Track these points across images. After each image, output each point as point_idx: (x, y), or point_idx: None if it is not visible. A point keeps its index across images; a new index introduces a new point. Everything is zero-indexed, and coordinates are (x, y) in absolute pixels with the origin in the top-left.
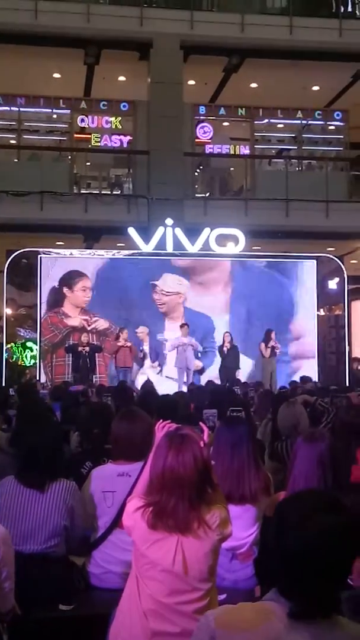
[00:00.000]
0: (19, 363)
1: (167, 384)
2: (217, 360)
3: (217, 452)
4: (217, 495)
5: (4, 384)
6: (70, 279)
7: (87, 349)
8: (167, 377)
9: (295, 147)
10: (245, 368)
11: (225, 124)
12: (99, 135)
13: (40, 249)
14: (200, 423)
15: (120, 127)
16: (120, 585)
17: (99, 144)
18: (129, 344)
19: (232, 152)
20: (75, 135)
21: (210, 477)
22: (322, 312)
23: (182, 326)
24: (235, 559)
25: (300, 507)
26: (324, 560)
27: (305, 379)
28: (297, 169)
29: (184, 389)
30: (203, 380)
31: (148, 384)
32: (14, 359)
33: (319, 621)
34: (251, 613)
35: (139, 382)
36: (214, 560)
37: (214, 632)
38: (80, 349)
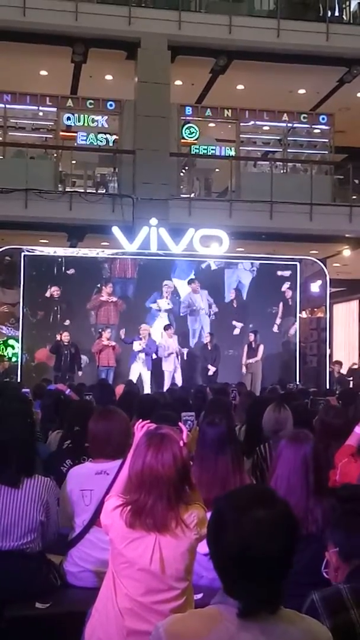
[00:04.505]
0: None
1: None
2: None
3: (200, 458)
4: (195, 495)
5: None
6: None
7: (72, 349)
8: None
9: (281, 150)
10: (227, 369)
11: (212, 125)
12: (85, 134)
13: (24, 247)
14: (180, 423)
15: (107, 125)
16: (96, 584)
17: (84, 142)
18: (112, 343)
19: (217, 153)
20: (61, 133)
21: (189, 476)
22: (304, 315)
23: (166, 328)
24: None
25: (236, 503)
26: (262, 554)
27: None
28: (281, 171)
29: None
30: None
31: (130, 384)
32: None
33: (268, 617)
34: (200, 620)
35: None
36: (191, 559)
37: None
38: (62, 349)
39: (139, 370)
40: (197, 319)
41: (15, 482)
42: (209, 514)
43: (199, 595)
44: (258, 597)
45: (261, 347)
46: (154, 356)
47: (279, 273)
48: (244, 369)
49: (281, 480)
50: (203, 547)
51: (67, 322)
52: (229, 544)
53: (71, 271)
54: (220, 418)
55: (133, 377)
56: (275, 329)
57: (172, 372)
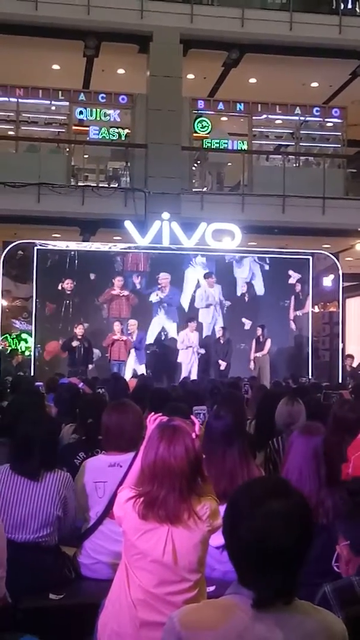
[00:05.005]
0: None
1: None
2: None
3: (207, 451)
4: (208, 487)
5: None
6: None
7: (85, 343)
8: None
9: (293, 144)
10: (239, 363)
11: (224, 118)
12: (97, 128)
13: (37, 241)
14: (192, 416)
15: (119, 120)
16: (110, 575)
17: (97, 136)
18: (124, 337)
19: (230, 147)
20: (74, 127)
21: (201, 468)
22: (316, 309)
23: (189, 321)
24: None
25: (251, 494)
26: (276, 545)
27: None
28: (294, 165)
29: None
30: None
31: (143, 377)
32: (9, 351)
33: (282, 608)
34: (215, 610)
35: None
36: (204, 551)
37: (179, 633)
38: (75, 343)
39: (132, 366)
40: (211, 313)
41: (35, 475)
42: (221, 507)
43: (212, 588)
44: (273, 587)
45: (268, 341)
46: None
47: (290, 272)
48: (251, 364)
49: (292, 471)
50: (215, 540)
51: (81, 317)
52: (244, 535)
53: (92, 276)
54: (227, 411)
55: (128, 372)
56: (292, 325)
57: (189, 366)
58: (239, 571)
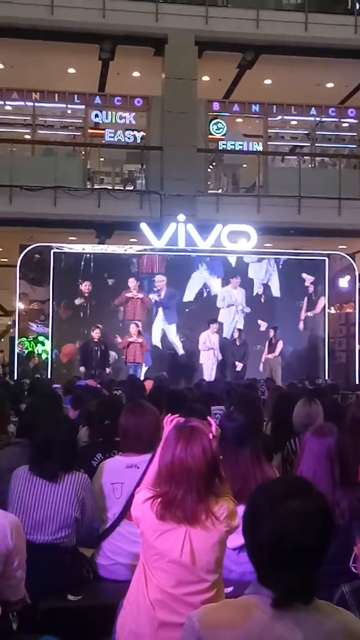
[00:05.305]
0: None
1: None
2: None
3: (221, 452)
4: (225, 487)
5: (16, 378)
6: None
7: (102, 346)
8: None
9: (309, 144)
10: (256, 364)
11: (239, 120)
12: (113, 131)
13: (53, 244)
14: (208, 417)
15: (134, 122)
16: (127, 577)
17: (112, 139)
18: (139, 339)
19: (245, 148)
20: (89, 131)
21: (218, 468)
22: (332, 310)
23: (211, 322)
24: (243, 551)
25: (271, 494)
26: (296, 544)
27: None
28: (310, 166)
29: None
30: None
31: (159, 379)
32: (26, 354)
33: (301, 607)
34: (234, 610)
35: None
36: (221, 551)
37: (199, 632)
38: (92, 346)
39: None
40: (232, 314)
41: (54, 477)
42: (238, 507)
43: (230, 589)
44: (292, 587)
45: (280, 343)
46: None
47: (304, 275)
48: (261, 366)
49: (307, 472)
50: (232, 542)
51: (98, 320)
52: (263, 534)
53: (109, 280)
54: (240, 412)
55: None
56: (300, 325)
57: (210, 367)
58: (259, 570)
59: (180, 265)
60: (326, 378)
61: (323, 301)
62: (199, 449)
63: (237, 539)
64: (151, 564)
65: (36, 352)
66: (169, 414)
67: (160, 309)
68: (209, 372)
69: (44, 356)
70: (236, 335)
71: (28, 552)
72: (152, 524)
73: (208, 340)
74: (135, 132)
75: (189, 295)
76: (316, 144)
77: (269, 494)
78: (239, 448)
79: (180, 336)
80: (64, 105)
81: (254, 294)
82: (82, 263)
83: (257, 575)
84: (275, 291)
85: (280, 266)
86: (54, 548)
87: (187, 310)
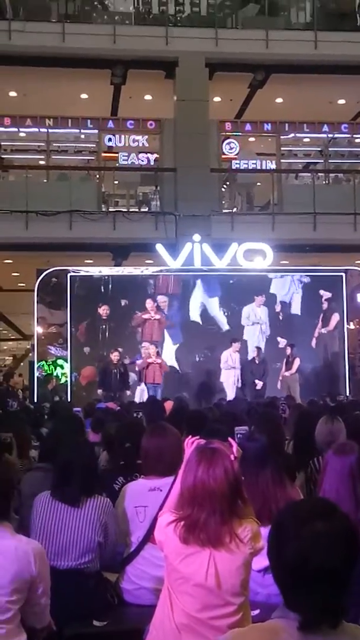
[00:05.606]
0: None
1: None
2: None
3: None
4: (249, 509)
5: (36, 401)
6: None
7: (121, 369)
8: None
9: (322, 161)
10: (272, 382)
11: (252, 139)
12: (127, 154)
13: (70, 268)
14: (229, 438)
15: (147, 145)
16: (152, 601)
17: (126, 162)
18: (159, 360)
19: (258, 167)
20: (103, 155)
21: (241, 490)
22: (351, 326)
23: (233, 341)
24: (268, 572)
25: (296, 515)
26: (322, 566)
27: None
28: (324, 182)
29: None
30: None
31: (179, 400)
32: (44, 376)
33: (329, 631)
34: (260, 634)
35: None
36: (247, 574)
37: None
38: (112, 368)
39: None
40: (257, 332)
41: (76, 502)
42: (262, 529)
43: (256, 612)
44: (319, 610)
45: (297, 360)
46: None
47: (321, 292)
48: (278, 384)
49: (329, 491)
50: (257, 564)
51: (116, 342)
52: (288, 556)
53: (125, 302)
54: (261, 432)
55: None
56: (313, 342)
57: (231, 386)
58: (285, 593)
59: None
60: (347, 394)
61: (337, 317)
62: (221, 471)
63: (262, 561)
64: (176, 587)
65: (54, 375)
66: (190, 436)
67: (165, 330)
68: (230, 390)
69: (63, 379)
70: (255, 353)
71: (52, 578)
72: (176, 548)
73: (230, 359)
74: (149, 155)
75: (194, 314)
76: (329, 161)
77: (293, 515)
78: (259, 469)
79: (198, 355)
80: (78, 130)
81: (275, 311)
82: (100, 285)
83: (283, 598)
84: (296, 309)
85: (303, 283)
86: (78, 573)
87: (208, 328)
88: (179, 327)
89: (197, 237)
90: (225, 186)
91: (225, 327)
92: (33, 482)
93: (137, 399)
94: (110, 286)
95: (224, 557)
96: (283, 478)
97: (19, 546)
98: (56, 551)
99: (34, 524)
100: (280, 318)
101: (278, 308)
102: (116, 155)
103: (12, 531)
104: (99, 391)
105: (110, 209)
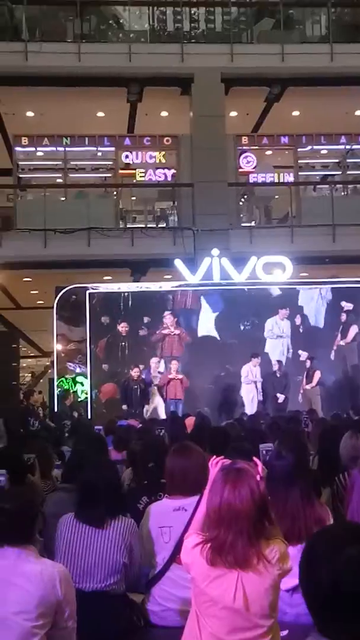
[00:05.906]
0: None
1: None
2: None
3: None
4: (276, 530)
5: (55, 419)
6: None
7: (142, 385)
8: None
9: (340, 173)
10: (294, 396)
11: (269, 152)
12: (144, 171)
13: (89, 285)
14: (254, 458)
15: (164, 161)
16: (179, 623)
17: (143, 179)
18: (180, 376)
19: (276, 180)
20: (120, 172)
21: (267, 511)
22: None
23: (253, 356)
24: (297, 592)
25: (329, 540)
26: (354, 592)
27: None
28: (342, 194)
29: None
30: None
31: (201, 416)
32: (63, 392)
33: None
34: None
35: None
36: (275, 595)
37: None
38: (132, 384)
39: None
40: (280, 346)
41: (100, 523)
42: (290, 548)
43: (285, 632)
44: (352, 635)
45: (317, 373)
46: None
47: (342, 304)
48: (299, 397)
49: (358, 511)
50: (285, 583)
51: (136, 358)
52: (320, 581)
53: (147, 319)
54: (288, 450)
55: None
56: (332, 355)
57: (251, 401)
58: (317, 619)
59: (215, 299)
60: None
61: (355, 329)
62: (247, 492)
63: (290, 581)
64: (204, 610)
65: (72, 391)
66: (214, 456)
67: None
68: (250, 405)
69: (82, 396)
70: (276, 367)
71: (77, 600)
72: (203, 570)
73: (250, 373)
74: (166, 170)
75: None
76: (347, 172)
77: (326, 539)
78: (288, 488)
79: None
80: (95, 148)
81: (296, 324)
82: (119, 302)
83: (316, 625)
84: (319, 321)
85: (326, 296)
86: (103, 595)
87: (228, 343)
88: (196, 342)
89: (215, 251)
90: (243, 200)
91: (242, 340)
92: (57, 502)
93: (158, 412)
94: (130, 303)
95: (252, 579)
96: (312, 497)
97: (44, 570)
98: (81, 573)
99: (58, 546)
100: (301, 331)
101: (298, 321)
102: (133, 171)
103: (37, 555)
104: (124, 407)
105: (128, 226)
